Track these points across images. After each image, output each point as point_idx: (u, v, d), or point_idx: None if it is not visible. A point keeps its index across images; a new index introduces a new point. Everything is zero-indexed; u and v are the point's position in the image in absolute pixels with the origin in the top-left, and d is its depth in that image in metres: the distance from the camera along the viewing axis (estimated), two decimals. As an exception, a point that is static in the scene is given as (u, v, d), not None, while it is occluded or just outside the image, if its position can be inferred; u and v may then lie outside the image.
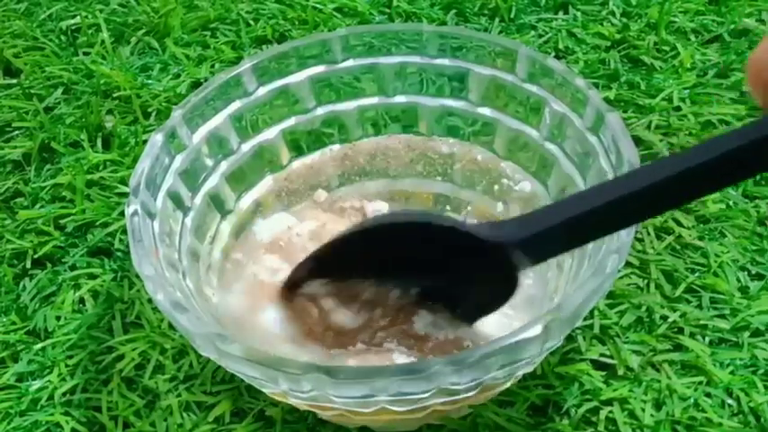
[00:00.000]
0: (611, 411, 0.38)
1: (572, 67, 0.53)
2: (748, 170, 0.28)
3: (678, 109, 0.52)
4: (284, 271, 0.39)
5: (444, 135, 0.44)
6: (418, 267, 0.35)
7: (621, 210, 0.29)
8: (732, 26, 0.57)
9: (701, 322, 0.41)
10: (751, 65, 0.25)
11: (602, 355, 0.40)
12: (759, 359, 0.40)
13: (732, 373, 0.39)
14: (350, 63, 0.43)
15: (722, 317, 0.41)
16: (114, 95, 0.55)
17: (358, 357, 0.36)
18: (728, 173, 0.27)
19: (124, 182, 0.49)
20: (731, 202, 0.46)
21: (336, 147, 0.45)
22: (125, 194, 0.48)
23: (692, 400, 0.38)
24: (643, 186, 0.28)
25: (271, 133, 0.43)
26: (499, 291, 0.34)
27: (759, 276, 0.43)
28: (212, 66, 0.57)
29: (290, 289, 0.38)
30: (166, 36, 0.59)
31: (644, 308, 0.42)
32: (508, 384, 0.36)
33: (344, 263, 0.36)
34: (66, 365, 0.41)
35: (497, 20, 0.59)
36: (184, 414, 0.39)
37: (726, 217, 0.46)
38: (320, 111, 0.44)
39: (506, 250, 0.31)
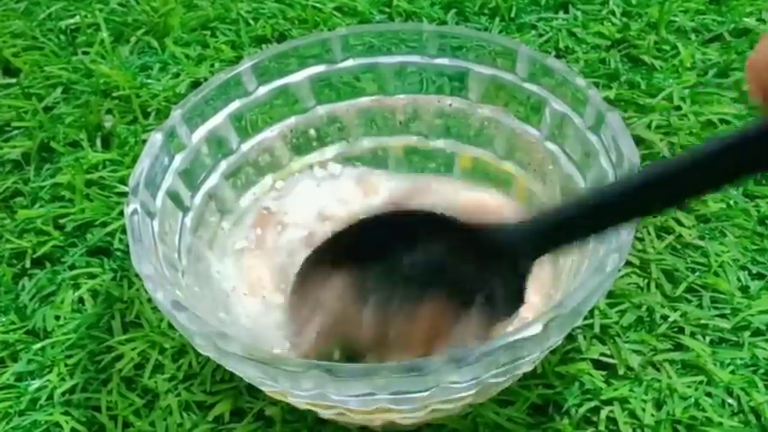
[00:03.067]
0: (611, 411, 0.38)
1: (572, 67, 0.53)
2: (747, 169, 0.27)
3: (678, 108, 0.52)
4: None
5: (444, 135, 0.44)
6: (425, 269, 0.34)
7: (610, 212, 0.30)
8: (733, 25, 0.57)
9: (702, 322, 0.41)
10: (750, 68, 0.25)
11: (602, 354, 0.40)
12: (759, 359, 0.40)
13: (732, 372, 0.39)
14: (350, 63, 0.43)
15: (723, 316, 0.41)
16: (114, 95, 0.55)
17: None
18: (725, 172, 0.27)
19: (123, 181, 0.49)
20: (732, 202, 0.46)
21: (336, 145, 0.45)
22: (124, 194, 0.48)
23: (692, 400, 0.38)
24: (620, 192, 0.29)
25: (271, 133, 0.43)
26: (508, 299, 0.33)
27: (760, 276, 0.43)
28: (212, 65, 0.56)
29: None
30: (166, 35, 0.59)
31: (644, 307, 0.42)
32: (508, 383, 0.36)
33: (354, 252, 0.35)
34: (66, 365, 0.41)
35: (497, 19, 0.59)
36: (184, 414, 0.39)
37: (726, 216, 0.46)
38: (320, 110, 0.44)
39: (514, 251, 0.31)
